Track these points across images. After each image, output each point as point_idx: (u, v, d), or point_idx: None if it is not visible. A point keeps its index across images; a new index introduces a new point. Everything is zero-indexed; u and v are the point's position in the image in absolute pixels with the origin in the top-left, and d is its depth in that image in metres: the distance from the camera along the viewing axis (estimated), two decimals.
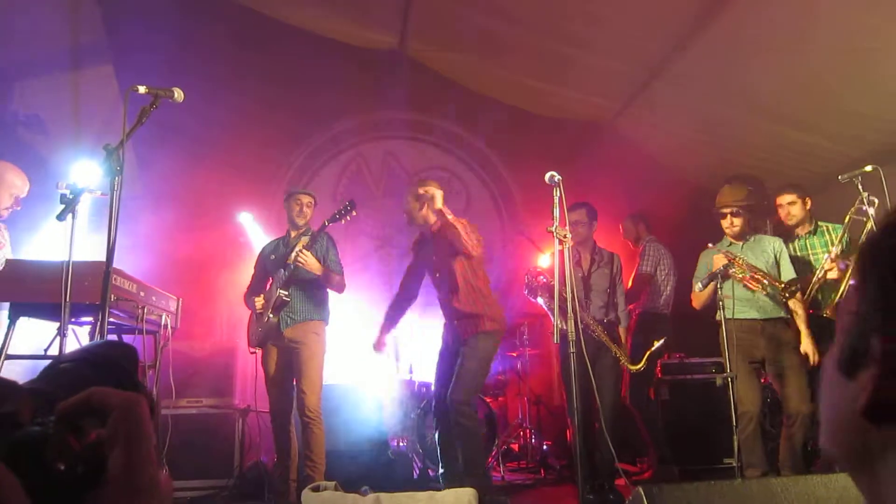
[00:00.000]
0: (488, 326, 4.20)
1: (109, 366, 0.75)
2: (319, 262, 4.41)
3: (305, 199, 4.71)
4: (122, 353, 0.77)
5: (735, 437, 3.84)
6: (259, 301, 4.54)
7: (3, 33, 5.07)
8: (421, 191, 4.25)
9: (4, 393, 0.64)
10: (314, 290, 4.54)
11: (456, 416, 3.99)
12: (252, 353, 4.70)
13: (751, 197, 4.73)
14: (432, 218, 4.34)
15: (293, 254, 4.39)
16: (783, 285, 4.16)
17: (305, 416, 4.32)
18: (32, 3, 5.03)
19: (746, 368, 4.19)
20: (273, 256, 4.71)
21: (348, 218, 4.42)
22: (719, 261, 4.30)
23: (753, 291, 4.30)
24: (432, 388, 4.59)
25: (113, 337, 3.79)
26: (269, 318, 4.43)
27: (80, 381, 0.67)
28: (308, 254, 4.33)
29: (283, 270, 4.50)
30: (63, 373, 0.72)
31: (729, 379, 3.92)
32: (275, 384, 4.48)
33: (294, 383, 4.45)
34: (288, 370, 4.46)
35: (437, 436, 4.27)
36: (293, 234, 4.71)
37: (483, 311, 4.23)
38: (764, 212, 5.61)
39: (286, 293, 4.39)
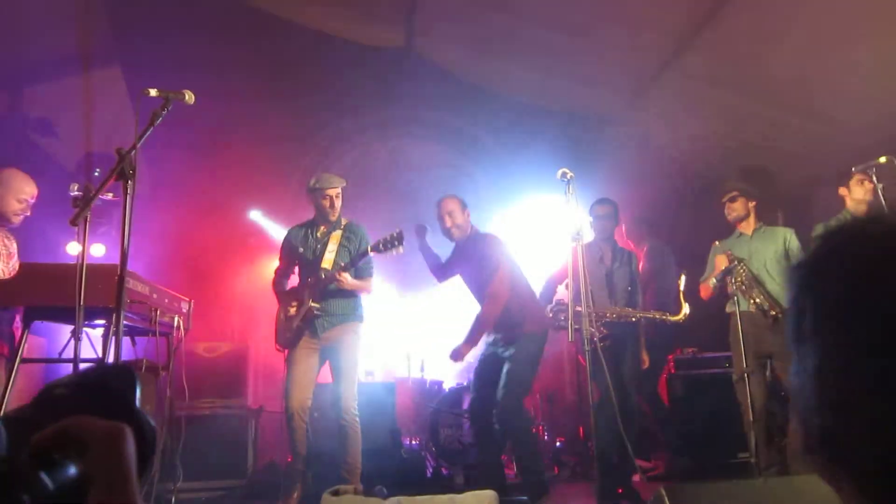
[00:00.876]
0: (529, 328, 4.18)
1: (104, 392, 0.71)
2: (352, 273, 4.29)
3: (334, 192, 4.38)
4: (118, 379, 0.73)
5: (752, 431, 3.83)
6: (294, 307, 4.36)
7: (12, 37, 5.08)
8: (446, 209, 4.44)
9: None
10: (348, 295, 4.39)
11: (511, 420, 3.99)
12: (279, 350, 4.46)
13: (752, 184, 4.76)
14: (461, 230, 4.44)
15: (331, 263, 4.29)
16: (775, 312, 4.16)
17: (344, 418, 4.21)
18: (40, 7, 5.03)
19: (753, 363, 4.18)
20: (301, 250, 4.47)
21: (394, 253, 4.22)
22: (721, 262, 4.33)
23: (762, 283, 4.30)
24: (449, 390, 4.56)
25: (126, 338, 3.79)
26: (298, 324, 4.29)
27: (71, 408, 0.64)
28: (347, 277, 4.21)
29: (314, 278, 4.32)
30: (54, 399, 0.69)
31: (746, 374, 3.90)
32: (300, 385, 4.25)
33: (313, 384, 4.32)
34: (316, 367, 4.33)
35: (475, 437, 4.24)
36: (322, 227, 4.47)
37: (523, 315, 4.21)
38: (774, 203, 5.59)
39: (318, 306, 4.24)
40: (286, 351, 4.37)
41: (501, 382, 4.04)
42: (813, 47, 4.83)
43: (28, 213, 4.02)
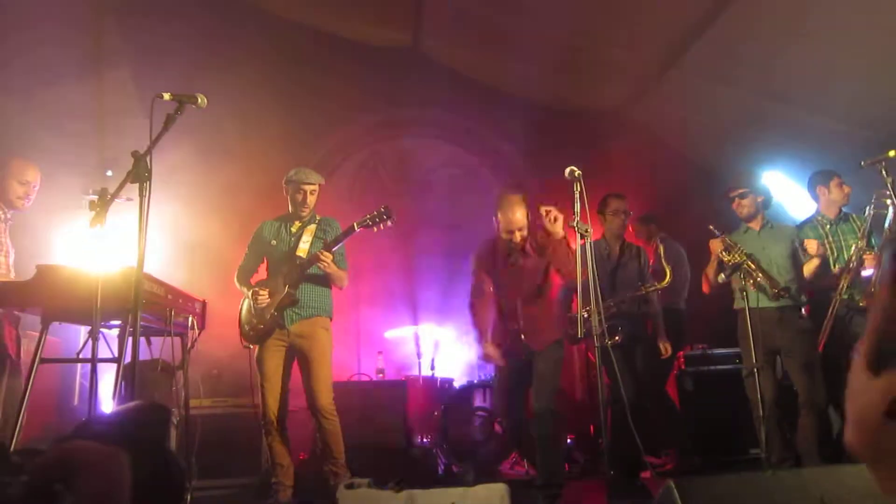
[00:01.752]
0: (557, 335, 4.07)
1: (138, 432, 0.75)
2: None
3: (311, 188, 4.29)
4: (151, 417, 0.78)
5: (763, 427, 3.84)
6: (263, 296, 4.15)
7: (25, 42, 5.15)
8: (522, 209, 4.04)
9: None
10: (323, 284, 4.27)
11: (542, 424, 3.82)
12: (245, 347, 4.28)
13: (760, 182, 4.79)
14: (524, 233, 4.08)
15: (306, 252, 4.16)
16: (776, 290, 4.19)
17: (321, 415, 4.07)
18: (52, 12, 5.11)
19: (763, 358, 4.20)
20: (274, 242, 4.34)
21: (382, 227, 4.10)
22: (715, 246, 4.38)
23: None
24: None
25: (141, 339, 3.84)
26: (272, 314, 4.12)
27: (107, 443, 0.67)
28: (329, 257, 4.07)
29: (290, 265, 4.19)
30: (93, 435, 0.72)
31: (755, 370, 3.92)
32: (272, 383, 4.09)
33: (288, 389, 4.17)
34: (287, 368, 4.18)
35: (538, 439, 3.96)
36: (297, 222, 4.36)
37: (551, 322, 4.10)
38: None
39: (293, 292, 4.12)
40: (254, 348, 4.21)
41: (536, 387, 3.91)
42: (824, 41, 4.83)
43: (31, 198, 4.11)
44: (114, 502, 0.60)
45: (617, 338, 4.41)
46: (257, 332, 4.15)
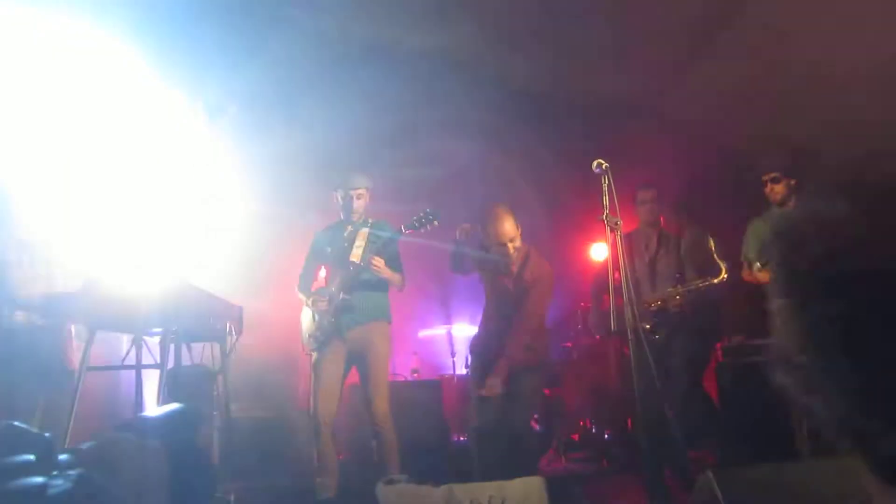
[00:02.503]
0: (538, 361, 4.06)
1: (170, 428, 0.81)
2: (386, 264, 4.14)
3: (357, 192, 4.26)
4: (182, 418, 0.84)
5: (802, 420, 3.78)
6: (323, 301, 4.18)
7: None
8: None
9: (32, 445, 0.67)
10: (379, 289, 4.25)
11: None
12: (308, 354, 4.32)
13: (794, 164, 4.66)
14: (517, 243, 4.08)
15: (359, 257, 4.14)
16: None
17: (376, 421, 4.06)
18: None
19: None
20: (329, 249, 4.36)
21: (429, 227, 4.06)
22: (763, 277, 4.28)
23: None
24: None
25: (182, 345, 3.93)
26: (330, 321, 4.15)
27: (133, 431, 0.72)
28: (381, 262, 4.07)
29: (344, 271, 4.19)
30: (126, 428, 0.78)
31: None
32: (328, 388, 4.12)
33: (340, 393, 4.21)
34: (344, 374, 4.21)
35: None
36: (349, 227, 4.35)
37: (539, 346, 4.08)
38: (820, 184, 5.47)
39: (349, 298, 4.11)
40: (314, 354, 4.23)
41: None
42: (860, 21, 4.73)
43: None
44: (152, 493, 0.66)
45: (657, 336, 4.37)
46: (316, 339, 4.18)
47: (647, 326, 4.26)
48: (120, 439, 0.67)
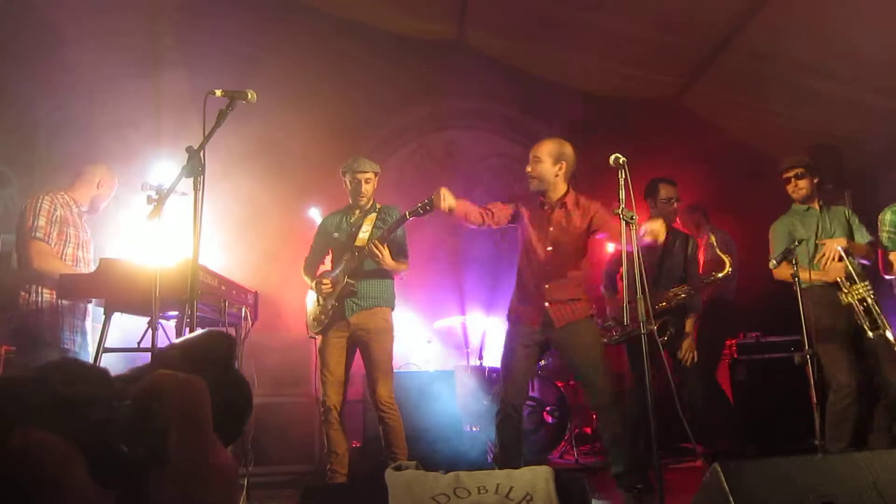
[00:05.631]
0: (590, 311, 3.86)
1: (206, 353, 0.83)
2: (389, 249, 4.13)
3: (365, 176, 4.29)
4: (215, 342, 0.86)
5: (816, 415, 3.74)
6: (327, 284, 4.22)
7: (86, 46, 5.38)
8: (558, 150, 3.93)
9: (86, 376, 0.71)
10: (383, 276, 4.26)
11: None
12: (311, 338, 4.39)
13: (816, 160, 4.62)
14: (563, 186, 3.97)
15: (365, 242, 4.16)
16: (847, 287, 4.05)
17: (379, 406, 4.10)
18: (111, 15, 5.33)
19: (839, 343, 4.07)
20: (336, 235, 4.39)
21: (432, 213, 3.95)
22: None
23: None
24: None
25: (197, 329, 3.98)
26: (333, 304, 4.17)
27: (178, 367, 0.75)
28: (383, 249, 4.07)
29: (349, 255, 4.22)
30: (168, 360, 0.81)
31: (807, 356, 3.79)
32: (334, 374, 4.17)
33: (348, 378, 4.25)
34: (349, 359, 4.25)
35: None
36: (357, 212, 4.39)
37: (584, 295, 3.88)
38: (841, 183, 5.42)
39: (353, 283, 4.14)
40: (319, 338, 4.28)
41: (597, 367, 3.72)
42: (877, 19, 4.66)
43: (107, 200, 4.34)
44: (198, 420, 0.69)
45: (665, 337, 4.35)
46: (321, 322, 4.23)
47: (654, 327, 4.23)
48: (164, 374, 0.70)
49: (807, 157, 4.61)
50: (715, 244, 4.59)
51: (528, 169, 3.96)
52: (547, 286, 3.80)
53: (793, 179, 4.45)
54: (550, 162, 3.93)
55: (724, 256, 4.49)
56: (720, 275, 4.50)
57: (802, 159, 4.53)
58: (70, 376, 0.72)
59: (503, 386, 3.88)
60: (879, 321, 3.92)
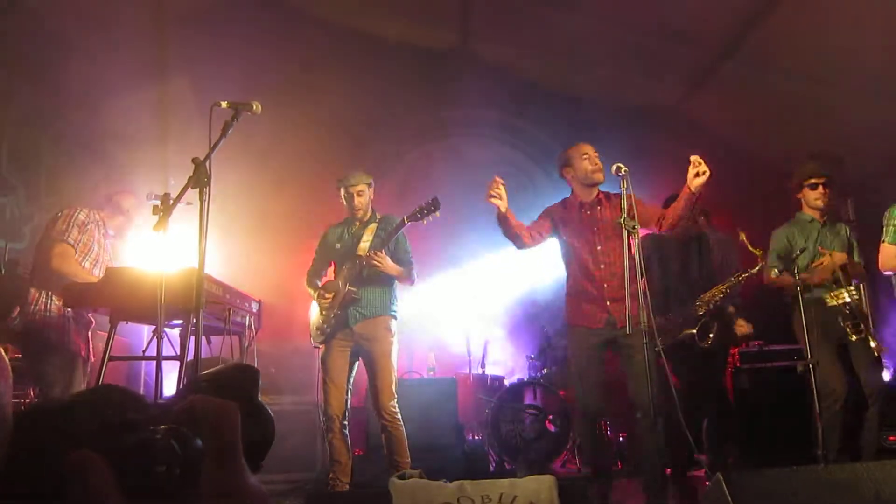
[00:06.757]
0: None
1: (234, 385, 0.87)
2: (390, 259, 4.19)
3: (357, 189, 4.34)
4: (242, 373, 0.90)
5: (819, 424, 3.74)
6: (327, 298, 4.27)
7: (92, 56, 5.43)
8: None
9: (135, 405, 0.76)
10: (385, 284, 4.29)
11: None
12: (315, 347, 4.42)
13: (835, 171, 4.54)
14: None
15: (365, 251, 4.20)
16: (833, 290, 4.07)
17: (383, 416, 4.12)
18: (116, 24, 5.37)
19: (831, 350, 4.07)
20: (338, 246, 4.44)
21: (430, 218, 4.11)
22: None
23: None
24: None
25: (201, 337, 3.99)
26: (336, 313, 4.21)
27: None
28: (383, 257, 4.14)
29: (350, 264, 4.26)
30: (199, 391, 0.85)
31: (810, 366, 3.79)
32: (336, 383, 4.18)
33: (350, 387, 4.27)
34: (352, 368, 4.28)
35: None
36: (357, 223, 4.44)
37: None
38: (843, 190, 5.42)
39: (355, 290, 4.17)
40: (322, 347, 4.30)
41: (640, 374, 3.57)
42: (879, 28, 4.68)
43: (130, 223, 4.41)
44: (234, 444, 0.72)
45: (708, 342, 4.28)
46: (323, 331, 4.25)
47: (694, 331, 4.22)
48: (200, 400, 0.74)
49: (832, 167, 4.48)
50: (744, 240, 4.42)
51: (597, 163, 4.04)
52: (606, 285, 3.79)
53: (820, 186, 4.30)
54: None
55: (755, 251, 4.37)
56: (752, 271, 4.34)
57: (828, 167, 4.41)
58: (113, 401, 0.76)
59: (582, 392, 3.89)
60: (862, 325, 3.93)
